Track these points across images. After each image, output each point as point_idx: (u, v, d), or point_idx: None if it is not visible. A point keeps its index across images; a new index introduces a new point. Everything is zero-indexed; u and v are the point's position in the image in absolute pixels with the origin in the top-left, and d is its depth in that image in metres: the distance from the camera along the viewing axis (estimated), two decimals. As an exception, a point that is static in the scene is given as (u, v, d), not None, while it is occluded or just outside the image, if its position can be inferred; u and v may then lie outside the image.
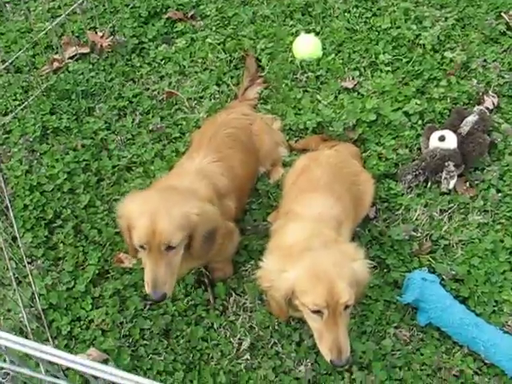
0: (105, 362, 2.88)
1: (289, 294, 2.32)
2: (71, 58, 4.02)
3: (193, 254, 2.60)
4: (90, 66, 3.97)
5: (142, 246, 2.43)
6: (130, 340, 2.97)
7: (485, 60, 3.94)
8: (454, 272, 3.11)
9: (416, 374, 2.89)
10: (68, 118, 3.71)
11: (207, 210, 2.58)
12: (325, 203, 2.71)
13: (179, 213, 2.44)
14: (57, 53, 4.04)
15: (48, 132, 3.69)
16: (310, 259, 2.30)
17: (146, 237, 2.38)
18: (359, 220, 3.20)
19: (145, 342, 2.96)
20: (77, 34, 4.14)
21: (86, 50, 4.04)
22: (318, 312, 2.26)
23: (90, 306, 3.05)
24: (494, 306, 3.07)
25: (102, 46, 4.02)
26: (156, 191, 2.65)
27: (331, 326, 2.26)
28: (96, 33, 4.10)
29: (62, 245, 3.25)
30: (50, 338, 2.94)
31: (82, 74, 3.91)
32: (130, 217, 2.45)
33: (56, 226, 3.31)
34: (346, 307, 2.26)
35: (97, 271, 3.14)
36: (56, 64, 3.97)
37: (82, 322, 3.01)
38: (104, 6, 4.25)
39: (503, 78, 3.84)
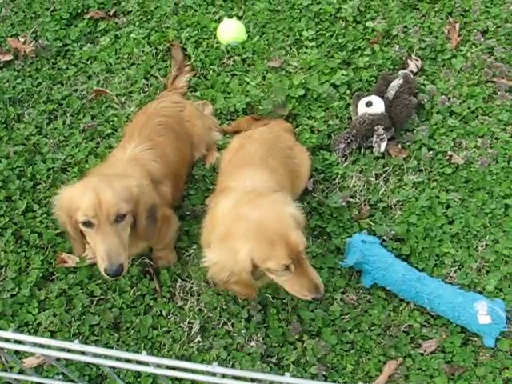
0: (57, 360, 2.86)
1: (251, 268, 2.32)
2: (-5, 66, 3.97)
3: (139, 233, 2.61)
4: (16, 73, 3.91)
5: (89, 223, 2.41)
6: (80, 338, 2.95)
7: (405, 26, 4.02)
8: (393, 232, 3.18)
9: (366, 335, 2.94)
10: (-3, 127, 3.66)
11: (144, 184, 2.63)
12: (259, 176, 2.73)
13: (120, 185, 2.48)
14: (-21, 63, 3.98)
15: (-23, 143, 3.64)
16: (252, 226, 2.31)
17: (94, 209, 2.38)
18: (298, 192, 3.24)
19: (95, 337, 2.95)
20: (-2, 43, 4.10)
21: (9, 57, 3.97)
22: (286, 269, 2.31)
23: (37, 310, 3.02)
24: (435, 260, 3.15)
25: (25, 51, 3.96)
26: (92, 177, 2.64)
27: (301, 273, 2.34)
28: (18, 39, 4.05)
29: (3, 253, 3.19)
30: (-2, 347, 2.91)
31: (8, 81, 3.85)
32: (71, 202, 2.44)
33: (-5, 235, 3.27)
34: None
35: (41, 274, 3.11)
36: (-21, 74, 3.91)
37: (30, 327, 2.98)
38: (24, 11, 4.20)
39: (424, 41, 3.92)
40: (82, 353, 1.31)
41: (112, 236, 2.43)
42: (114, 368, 1.35)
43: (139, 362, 1.34)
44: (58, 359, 1.36)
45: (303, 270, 2.35)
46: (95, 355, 1.28)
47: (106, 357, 1.30)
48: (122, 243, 2.48)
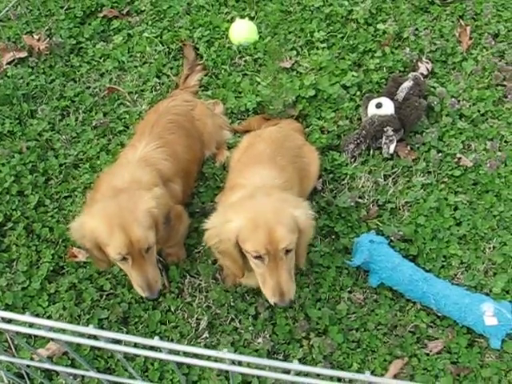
0: (64, 354, 2.90)
1: (235, 241, 2.36)
2: (9, 63, 4.01)
3: (159, 241, 2.66)
4: (30, 70, 3.97)
5: (123, 258, 2.49)
6: (89, 331, 2.97)
7: (416, 29, 4.05)
8: (401, 233, 3.19)
9: (372, 334, 2.95)
10: (11, 123, 3.70)
11: (158, 196, 2.64)
12: (268, 174, 2.75)
13: (142, 213, 2.51)
14: (-6, 59, 4.03)
15: (-9, 138, 3.68)
16: (251, 207, 2.36)
17: (127, 249, 2.45)
18: (307, 192, 3.26)
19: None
20: (13, 40, 4.14)
21: (23, 54, 4.03)
22: (259, 257, 2.33)
23: (47, 303, 3.05)
24: (442, 261, 3.16)
25: (39, 49, 4.02)
26: (108, 201, 2.58)
27: (273, 271, 2.34)
28: (32, 37, 4.10)
29: (14, 246, 3.23)
30: (8, 338, 2.95)
31: (22, 78, 3.91)
32: (98, 235, 2.48)
33: (7, 229, 3.30)
34: (287, 252, 2.33)
35: (51, 268, 3.14)
36: (-6, 70, 3.97)
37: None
38: (39, 9, 4.26)
39: (435, 44, 3.95)
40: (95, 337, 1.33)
41: (147, 267, 2.54)
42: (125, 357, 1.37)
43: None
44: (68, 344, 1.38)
45: (277, 270, 2.34)
46: (109, 340, 1.31)
47: (117, 342, 1.32)
48: (155, 268, 2.60)
